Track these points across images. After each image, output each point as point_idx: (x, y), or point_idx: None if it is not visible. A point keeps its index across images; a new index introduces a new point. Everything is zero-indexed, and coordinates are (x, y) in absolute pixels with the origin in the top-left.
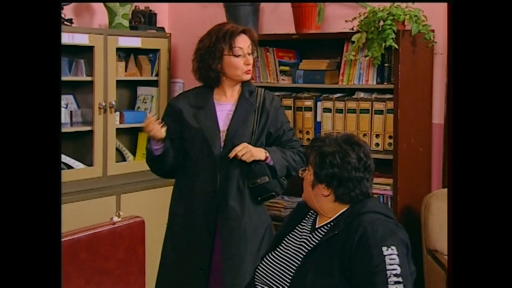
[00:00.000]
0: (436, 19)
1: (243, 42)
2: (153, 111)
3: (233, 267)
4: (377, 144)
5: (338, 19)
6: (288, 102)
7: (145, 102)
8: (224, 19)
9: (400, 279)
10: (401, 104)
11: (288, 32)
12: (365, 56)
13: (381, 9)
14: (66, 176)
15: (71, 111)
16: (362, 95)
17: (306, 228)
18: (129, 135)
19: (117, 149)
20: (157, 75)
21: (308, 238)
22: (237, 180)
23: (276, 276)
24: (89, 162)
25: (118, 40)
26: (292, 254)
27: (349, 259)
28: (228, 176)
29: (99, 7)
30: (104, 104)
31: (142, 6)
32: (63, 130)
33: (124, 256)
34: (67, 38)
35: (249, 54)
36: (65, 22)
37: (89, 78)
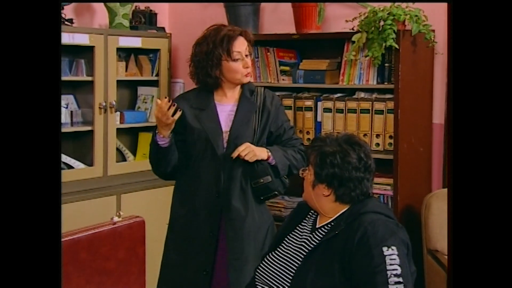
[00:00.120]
0: (437, 19)
1: (240, 46)
2: (153, 111)
3: (238, 267)
4: (378, 144)
5: (338, 19)
6: (288, 102)
7: (146, 102)
8: (224, 19)
9: (400, 279)
10: (402, 104)
11: (288, 32)
12: (366, 56)
13: (381, 9)
14: (66, 176)
15: (71, 111)
16: (362, 95)
17: (306, 228)
18: (130, 135)
19: (118, 149)
20: (157, 75)
21: (308, 238)
22: (240, 180)
23: (277, 276)
24: (89, 162)
25: (119, 40)
26: (292, 254)
27: (349, 259)
28: (232, 177)
29: (100, 7)
30: (104, 104)
31: (142, 6)
32: (64, 130)
33: (125, 256)
34: (67, 38)
35: (247, 56)
36: (66, 22)
37: (89, 78)
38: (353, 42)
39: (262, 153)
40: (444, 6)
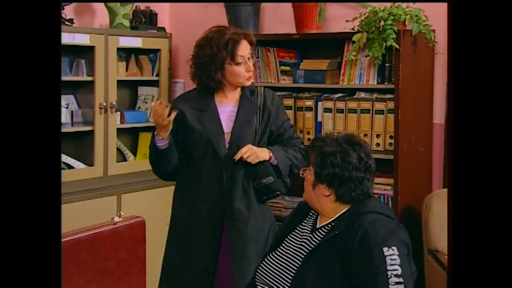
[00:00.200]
0: (437, 19)
1: (244, 50)
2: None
3: (242, 267)
4: (378, 144)
5: (338, 19)
6: (288, 102)
7: (146, 102)
8: (224, 19)
9: (401, 280)
10: (402, 104)
11: (288, 32)
12: (366, 56)
13: (381, 9)
14: (67, 176)
15: (72, 111)
16: (363, 95)
17: (307, 228)
18: (130, 135)
19: (118, 149)
20: (157, 75)
21: (308, 238)
22: (242, 182)
23: (277, 276)
24: (90, 162)
25: (119, 40)
26: (292, 254)
27: (350, 259)
28: (234, 178)
29: (100, 7)
30: (105, 104)
31: (142, 6)
32: (64, 130)
33: (125, 256)
34: (67, 38)
35: (249, 59)
36: (66, 22)
37: (90, 78)
38: (354, 42)
39: (264, 154)
40: (444, 6)
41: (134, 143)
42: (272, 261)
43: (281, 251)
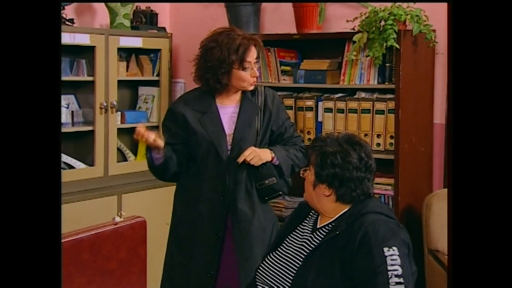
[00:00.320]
0: (437, 19)
1: (252, 56)
2: (154, 111)
3: (248, 267)
4: (378, 144)
5: (339, 19)
6: (289, 102)
7: (147, 102)
8: (225, 19)
9: (401, 280)
10: (402, 104)
11: (289, 32)
12: (366, 56)
13: (382, 9)
14: (67, 176)
15: (72, 111)
16: (363, 95)
17: (307, 228)
18: (130, 135)
19: (118, 149)
20: (158, 75)
21: (309, 238)
22: (245, 183)
23: (277, 276)
24: (90, 162)
25: (119, 40)
26: (293, 254)
27: (350, 259)
28: (237, 180)
29: (101, 7)
30: (105, 104)
31: (143, 6)
32: (64, 130)
33: (126, 256)
34: (68, 38)
35: (255, 64)
36: (66, 22)
37: (90, 78)
38: (354, 42)
39: (266, 155)
40: (444, 6)
41: (134, 143)
42: (272, 261)
43: (281, 251)
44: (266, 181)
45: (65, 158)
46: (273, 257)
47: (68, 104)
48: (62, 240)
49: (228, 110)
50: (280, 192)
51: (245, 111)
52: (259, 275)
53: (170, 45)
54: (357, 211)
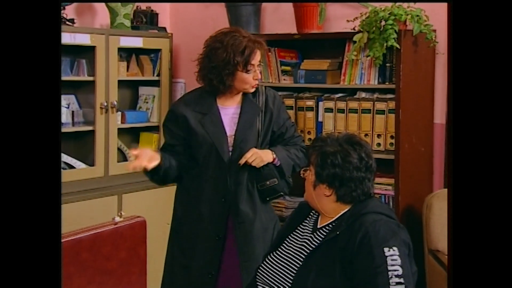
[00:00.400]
0: (438, 19)
1: (256, 59)
2: (154, 111)
3: (250, 268)
4: (379, 144)
5: (339, 19)
6: (289, 102)
7: (147, 102)
8: (225, 19)
9: (401, 280)
10: (403, 104)
11: (289, 32)
12: (367, 56)
13: (382, 9)
14: (67, 176)
15: (72, 111)
16: (363, 95)
17: (307, 228)
18: (131, 135)
19: (119, 149)
20: (158, 75)
21: (309, 238)
22: (246, 184)
23: (278, 276)
24: (90, 162)
25: (120, 40)
26: (293, 254)
27: (350, 259)
28: (238, 181)
29: (101, 7)
30: (105, 104)
31: (143, 6)
32: (65, 130)
33: (126, 256)
34: (68, 38)
35: (258, 67)
36: (67, 22)
37: (90, 78)
38: (354, 42)
39: (267, 156)
40: (445, 6)
41: (135, 143)
42: (273, 261)
43: (282, 251)
44: (268, 182)
45: (65, 158)
46: (273, 257)
47: (68, 104)
48: (62, 240)
49: (229, 111)
50: (282, 193)
51: (246, 112)
52: (260, 275)
53: (171, 45)
54: (357, 211)
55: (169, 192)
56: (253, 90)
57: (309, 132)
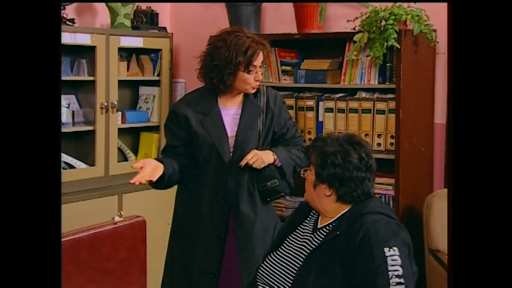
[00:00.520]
0: (438, 18)
1: (258, 60)
2: (155, 111)
3: (250, 268)
4: (379, 144)
5: (339, 19)
6: (290, 102)
7: (147, 102)
8: (226, 19)
9: (402, 280)
10: (403, 104)
11: (290, 32)
12: (367, 56)
13: (383, 8)
14: (68, 176)
15: (73, 111)
16: (364, 95)
17: (308, 228)
18: (131, 135)
19: (119, 149)
20: (159, 75)
21: (310, 238)
22: (247, 185)
23: (278, 276)
24: (91, 162)
25: (120, 40)
26: (294, 254)
27: (351, 259)
28: (239, 182)
29: (101, 7)
30: (106, 104)
31: (144, 6)
32: (65, 130)
33: (126, 256)
34: (69, 38)
35: (260, 69)
36: (67, 22)
37: (91, 78)
38: (355, 42)
39: (268, 157)
40: (445, 6)
41: (135, 143)
42: (273, 261)
43: (282, 251)
44: (268, 183)
45: (65, 158)
46: (273, 257)
47: (68, 104)
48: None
49: (230, 111)
50: (282, 194)
51: (247, 113)
52: (260, 275)
53: (171, 45)
54: (357, 211)
55: (169, 192)
56: (253, 91)
57: (309, 132)
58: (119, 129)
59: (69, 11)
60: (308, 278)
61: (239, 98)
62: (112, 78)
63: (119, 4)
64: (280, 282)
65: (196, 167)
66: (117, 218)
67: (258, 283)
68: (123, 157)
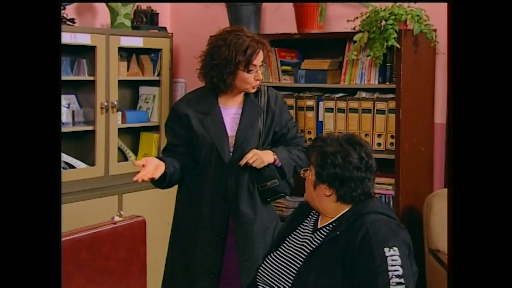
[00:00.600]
0: (438, 18)
1: (258, 60)
2: (155, 110)
3: (249, 268)
4: (379, 144)
5: (340, 19)
6: (290, 101)
7: (147, 102)
8: (226, 19)
9: (402, 280)
10: (403, 104)
11: (290, 31)
12: (367, 56)
13: (383, 8)
14: (68, 175)
15: (73, 111)
16: (364, 94)
17: (308, 228)
18: (131, 135)
19: (119, 149)
20: (159, 74)
21: (310, 238)
22: (247, 185)
23: (278, 276)
24: (91, 162)
25: (120, 39)
26: (294, 254)
27: (351, 259)
28: (239, 182)
29: (101, 7)
30: (106, 103)
31: (144, 5)
32: (65, 129)
33: (125, 255)
34: (69, 38)
35: (260, 68)
36: (67, 22)
37: (91, 78)
38: (355, 41)
39: (268, 157)
40: (445, 6)
41: (135, 142)
42: (273, 261)
43: (282, 251)
44: (268, 183)
45: (65, 157)
46: (273, 257)
47: (69, 103)
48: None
49: (230, 111)
50: (282, 194)
51: (248, 113)
52: (260, 275)
53: (171, 45)
54: (357, 211)
55: (169, 192)
56: (254, 90)
57: (309, 132)
58: (119, 129)
59: (69, 11)
60: (308, 278)
61: (240, 97)
62: (112, 78)
63: (119, 4)
64: (280, 282)
65: (196, 167)
66: (117, 218)
67: (258, 283)
68: (123, 157)
